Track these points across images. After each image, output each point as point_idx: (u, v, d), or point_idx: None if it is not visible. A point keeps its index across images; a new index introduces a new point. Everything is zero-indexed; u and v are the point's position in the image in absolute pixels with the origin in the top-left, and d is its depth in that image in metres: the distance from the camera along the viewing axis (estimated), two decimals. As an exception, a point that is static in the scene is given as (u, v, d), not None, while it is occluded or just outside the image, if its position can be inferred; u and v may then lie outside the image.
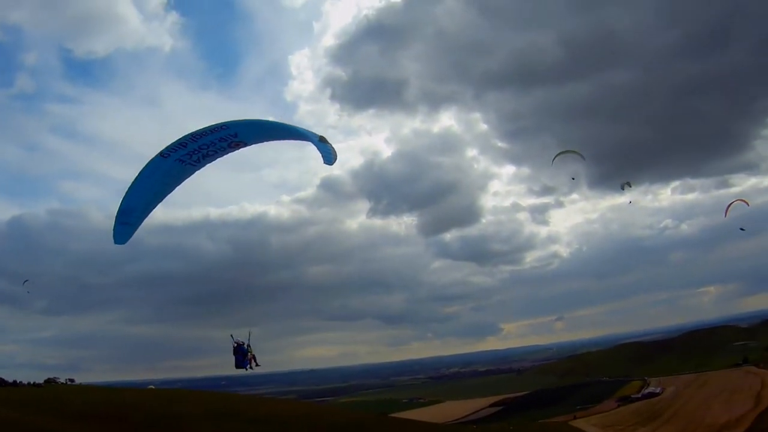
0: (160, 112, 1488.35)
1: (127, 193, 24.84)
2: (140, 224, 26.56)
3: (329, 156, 23.83)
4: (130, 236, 26.72)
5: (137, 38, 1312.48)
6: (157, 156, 24.13)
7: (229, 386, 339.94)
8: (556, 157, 69.38)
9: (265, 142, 26.16)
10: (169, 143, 24.16)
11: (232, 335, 29.10)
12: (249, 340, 29.33)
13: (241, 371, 30.38)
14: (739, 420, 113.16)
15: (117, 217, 25.41)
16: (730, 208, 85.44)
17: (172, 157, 24.16)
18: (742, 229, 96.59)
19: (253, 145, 25.85)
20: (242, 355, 29.39)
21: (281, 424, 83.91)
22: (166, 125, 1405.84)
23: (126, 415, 71.02)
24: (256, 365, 30.24)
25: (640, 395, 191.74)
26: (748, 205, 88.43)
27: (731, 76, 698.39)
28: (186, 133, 23.94)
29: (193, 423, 71.92)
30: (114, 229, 25.72)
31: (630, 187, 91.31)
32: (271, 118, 25.38)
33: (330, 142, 23.93)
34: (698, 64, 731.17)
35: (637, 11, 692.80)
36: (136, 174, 24.67)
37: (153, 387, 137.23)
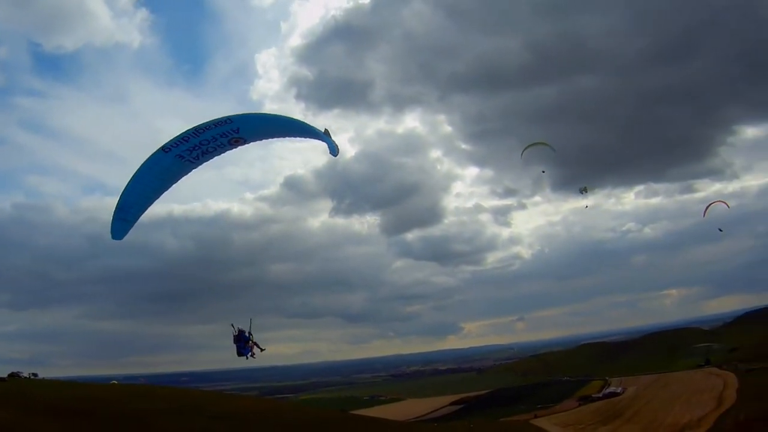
0: (128, 108, 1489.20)
1: (126, 188, 24.63)
2: (137, 220, 26.13)
3: (334, 148, 24.66)
4: (127, 232, 26.30)
5: (106, 34, 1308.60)
6: (158, 150, 23.94)
7: (191, 382, 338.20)
8: (526, 149, 67.18)
9: (264, 140, 26.16)
10: (172, 137, 23.91)
11: (233, 324, 28.70)
12: (250, 327, 29.03)
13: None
14: (701, 420, 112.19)
15: (115, 213, 25.12)
16: (709, 209, 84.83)
17: (173, 152, 23.92)
18: (720, 230, 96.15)
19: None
20: (243, 342, 28.88)
21: (243, 420, 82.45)
22: (132, 121, 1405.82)
23: (90, 411, 69.10)
24: (262, 350, 29.79)
25: (601, 395, 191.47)
26: (728, 206, 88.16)
27: (699, 84, 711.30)
28: (188, 128, 23.75)
29: (156, 419, 70.13)
30: (112, 225, 25.41)
31: (587, 192, 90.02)
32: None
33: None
34: (666, 71, 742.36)
35: (606, 18, 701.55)
36: (137, 168, 24.47)
37: (116, 382, 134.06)
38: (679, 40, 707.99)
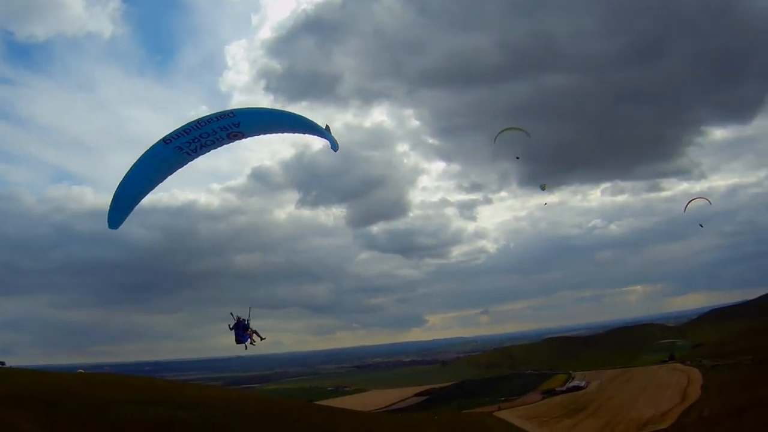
0: (97, 97, 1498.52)
1: (124, 178, 24.90)
2: (132, 210, 26.57)
3: (335, 144, 26.07)
4: (122, 221, 26.71)
5: (79, 24, 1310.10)
6: (159, 142, 24.18)
7: (155, 372, 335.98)
8: (500, 133, 65.57)
9: (263, 135, 26.35)
10: (174, 129, 24.10)
11: (232, 312, 29.63)
12: (249, 316, 29.94)
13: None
14: (665, 415, 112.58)
15: (112, 202, 25.50)
16: (689, 205, 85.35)
17: (173, 144, 24.10)
18: (700, 225, 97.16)
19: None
20: (242, 330, 29.75)
21: (208, 409, 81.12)
22: (101, 111, 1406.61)
23: (56, 399, 68.16)
24: (261, 339, 30.78)
25: (564, 388, 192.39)
26: (710, 203, 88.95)
27: (669, 85, 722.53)
28: (191, 120, 23.97)
29: (122, 408, 69.11)
30: (109, 214, 25.86)
31: (545, 189, 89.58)
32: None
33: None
34: (637, 72, 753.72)
35: (578, 19, 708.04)
36: (136, 159, 24.75)
37: (82, 371, 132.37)
38: (651, 41, 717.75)
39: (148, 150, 24.27)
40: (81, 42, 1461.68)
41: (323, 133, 25.51)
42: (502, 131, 64.89)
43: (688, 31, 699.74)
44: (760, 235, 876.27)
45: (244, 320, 29.87)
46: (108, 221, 26.09)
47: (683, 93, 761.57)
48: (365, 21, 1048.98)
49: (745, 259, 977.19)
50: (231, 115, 23.69)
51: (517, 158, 70.11)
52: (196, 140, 24.07)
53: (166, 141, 23.95)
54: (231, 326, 29.55)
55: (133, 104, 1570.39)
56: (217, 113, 23.74)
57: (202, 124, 23.68)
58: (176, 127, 23.88)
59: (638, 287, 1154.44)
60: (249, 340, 30.24)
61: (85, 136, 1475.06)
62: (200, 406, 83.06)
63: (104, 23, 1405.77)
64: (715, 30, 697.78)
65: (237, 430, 70.15)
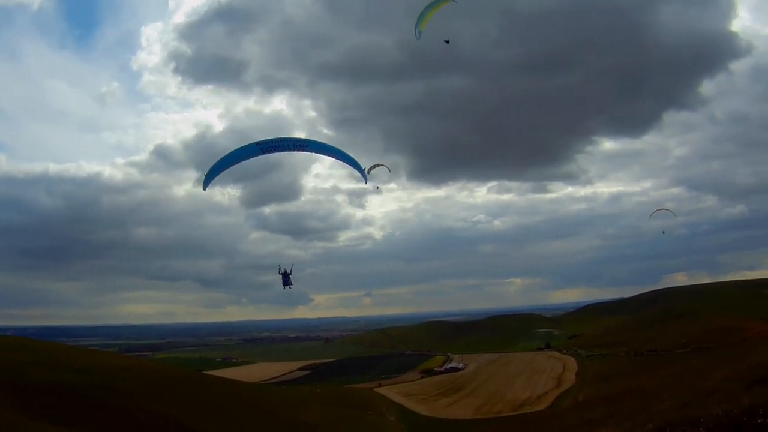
0: (20, 67, 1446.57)
1: (223, 158, 36.89)
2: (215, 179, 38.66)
3: (366, 179, 42.68)
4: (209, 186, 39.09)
5: None
6: (253, 143, 36.08)
7: (54, 336, 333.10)
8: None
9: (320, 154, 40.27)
10: (268, 138, 36.61)
11: (280, 265, 42.56)
12: (292, 269, 43.00)
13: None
14: (541, 398, 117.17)
15: (209, 173, 37.60)
16: (654, 214, 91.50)
17: (260, 145, 35.31)
18: (663, 233, 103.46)
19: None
20: (287, 277, 42.61)
21: (107, 374, 79.54)
22: (23, 80, 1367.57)
23: None
24: (291, 285, 43.32)
25: (443, 369, 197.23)
26: (674, 215, 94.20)
27: (566, 95, 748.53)
28: (283, 136, 37.04)
29: (28, 371, 66.94)
30: (205, 180, 38.22)
31: (388, 168, 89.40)
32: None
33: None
34: (535, 81, 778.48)
35: (481, 26, 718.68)
36: (234, 148, 37.59)
37: None
38: (553, 54, 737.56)
39: (244, 146, 35.77)
40: (11, 11, 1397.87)
41: (362, 171, 40.11)
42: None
43: (592, 47, 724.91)
44: (639, 239, 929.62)
45: (287, 271, 42.53)
46: (203, 184, 38.01)
47: (580, 104, 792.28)
48: (275, 12, 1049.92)
49: (622, 260, 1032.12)
50: (307, 141, 36.63)
51: (447, 42, 60.91)
52: (274, 146, 35.06)
53: (257, 143, 35.34)
54: (280, 272, 42.09)
55: (53, 76, 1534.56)
56: (301, 138, 36.39)
57: (287, 140, 35.56)
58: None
59: (518, 280, 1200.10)
60: (290, 284, 42.52)
61: (6, 104, 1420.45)
62: (100, 370, 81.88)
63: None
64: (619, 48, 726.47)
65: (135, 396, 69.34)
